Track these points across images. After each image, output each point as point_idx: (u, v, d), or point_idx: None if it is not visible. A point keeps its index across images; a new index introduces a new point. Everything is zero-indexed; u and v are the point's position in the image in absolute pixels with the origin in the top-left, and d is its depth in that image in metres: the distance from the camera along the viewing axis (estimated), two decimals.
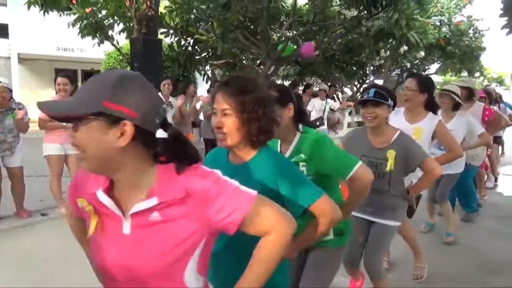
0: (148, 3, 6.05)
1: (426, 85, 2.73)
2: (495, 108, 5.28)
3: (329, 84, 10.17)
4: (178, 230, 0.89)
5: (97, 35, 7.11)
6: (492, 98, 5.55)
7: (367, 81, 13.49)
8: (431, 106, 2.79)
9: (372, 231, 2.38)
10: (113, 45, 7.55)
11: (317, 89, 12.41)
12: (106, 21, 7.13)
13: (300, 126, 1.77)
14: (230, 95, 1.28)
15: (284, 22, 8.41)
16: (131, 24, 6.53)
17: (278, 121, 1.39)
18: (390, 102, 2.16)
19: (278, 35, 9.04)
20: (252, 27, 8.77)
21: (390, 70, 12.40)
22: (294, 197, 1.29)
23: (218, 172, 0.95)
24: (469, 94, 4.21)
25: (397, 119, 2.77)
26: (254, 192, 0.95)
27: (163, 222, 0.89)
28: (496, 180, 6.42)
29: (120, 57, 8.07)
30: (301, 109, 1.81)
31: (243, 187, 0.95)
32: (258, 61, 9.44)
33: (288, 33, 8.28)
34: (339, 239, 1.86)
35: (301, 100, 1.92)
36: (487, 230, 4.38)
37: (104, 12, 6.87)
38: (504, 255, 3.75)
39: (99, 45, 7.33)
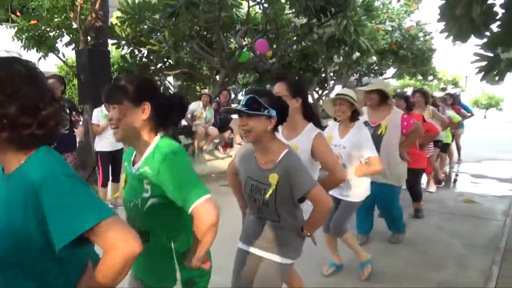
0: (94, 14, 5.93)
1: (297, 88, 2.26)
2: (431, 109, 5.38)
3: None
4: None
5: (41, 48, 6.87)
6: (428, 98, 5.35)
7: (328, 87, 13.77)
8: (310, 114, 2.29)
9: (260, 268, 1.98)
10: (59, 57, 7.32)
11: None
12: (52, 33, 6.91)
13: (158, 136, 1.45)
14: None
15: (239, 31, 8.47)
16: (78, 36, 6.35)
17: (43, 108, 0.98)
18: (270, 112, 1.75)
19: (234, 43, 9.09)
20: (208, 36, 8.78)
21: (347, 75, 12.70)
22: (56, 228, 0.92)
23: None
24: (381, 98, 3.50)
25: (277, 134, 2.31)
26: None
27: None
28: (440, 183, 6.53)
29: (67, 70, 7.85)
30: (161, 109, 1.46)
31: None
32: (216, 70, 9.43)
33: (243, 41, 8.33)
34: None
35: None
36: (431, 226, 4.53)
37: (48, 23, 6.65)
38: (446, 250, 3.89)
39: (44, 58, 7.09)
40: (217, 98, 7.76)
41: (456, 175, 7.79)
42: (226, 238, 2.23)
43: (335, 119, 3.00)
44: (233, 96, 10.41)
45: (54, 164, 0.98)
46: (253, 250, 1.99)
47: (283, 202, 1.85)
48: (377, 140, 3.36)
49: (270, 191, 1.80)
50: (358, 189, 3.01)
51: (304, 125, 2.25)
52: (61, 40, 7.18)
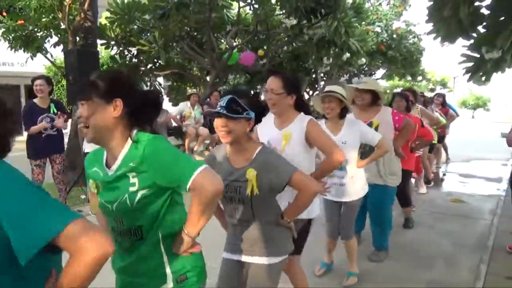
0: (83, 14, 5.87)
1: (293, 85, 2.24)
2: (419, 107, 5.41)
3: None
4: None
5: (28, 48, 6.78)
6: (416, 98, 5.32)
7: (318, 87, 13.84)
8: (301, 107, 2.31)
9: (250, 274, 1.91)
10: (47, 58, 7.24)
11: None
12: (39, 33, 6.82)
13: (134, 132, 1.37)
14: None
15: (230, 31, 8.46)
16: (67, 36, 6.28)
17: None
18: (249, 114, 1.73)
19: (225, 44, 9.08)
20: (198, 36, 8.75)
21: (338, 76, 12.79)
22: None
23: None
24: (374, 98, 3.40)
25: (267, 126, 2.31)
26: None
27: None
28: (429, 183, 6.57)
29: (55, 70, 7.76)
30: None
31: None
32: (206, 71, 9.41)
33: (233, 42, 8.32)
34: None
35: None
36: (421, 226, 4.57)
37: (36, 23, 6.57)
38: (436, 249, 3.92)
39: (32, 59, 6.99)
40: (208, 99, 7.74)
41: (444, 174, 7.87)
42: (217, 240, 2.22)
43: (324, 117, 2.97)
44: None
45: (6, 173, 0.97)
46: (237, 257, 1.92)
47: (259, 198, 1.78)
48: None
49: (250, 187, 1.75)
50: (358, 185, 2.99)
51: (296, 114, 2.27)
52: (49, 41, 7.10)
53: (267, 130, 2.33)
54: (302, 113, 2.27)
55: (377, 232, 3.65)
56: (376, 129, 3.31)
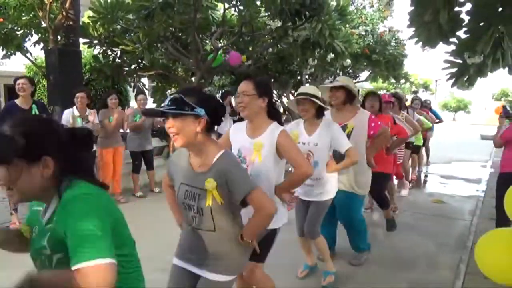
0: (65, 13, 5.77)
1: (264, 87, 2.19)
2: (405, 114, 5.32)
3: None
4: None
5: (7, 46, 6.62)
6: (402, 103, 5.20)
7: None
8: (274, 115, 2.25)
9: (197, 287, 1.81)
10: (26, 57, 7.08)
11: None
12: (19, 32, 6.67)
13: (63, 186, 1.14)
14: None
15: (215, 33, 8.42)
16: (48, 35, 6.16)
17: None
18: (197, 111, 1.60)
19: (209, 45, 9.04)
20: (183, 37, 8.68)
21: (322, 78, 12.87)
22: None
23: None
24: (347, 96, 3.25)
25: (239, 133, 2.30)
26: None
27: None
28: (410, 183, 6.61)
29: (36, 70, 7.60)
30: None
31: None
32: (191, 72, 9.35)
33: (218, 43, 8.29)
34: None
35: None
36: (402, 226, 4.63)
37: (16, 22, 6.42)
38: (417, 249, 3.99)
39: (9, 57, 6.82)
40: None
41: (426, 176, 8.01)
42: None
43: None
44: None
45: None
46: (188, 267, 1.82)
47: (220, 208, 1.69)
48: None
49: (209, 198, 1.66)
50: (328, 187, 2.96)
51: (268, 123, 2.21)
52: (29, 39, 6.95)
53: (239, 137, 2.30)
54: (274, 123, 2.22)
55: (351, 235, 3.59)
56: (350, 132, 3.21)
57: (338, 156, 3.03)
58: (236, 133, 2.32)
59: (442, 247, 4.04)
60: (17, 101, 4.56)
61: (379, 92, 4.65)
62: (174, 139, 1.64)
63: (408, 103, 6.94)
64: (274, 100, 2.36)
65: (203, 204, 1.68)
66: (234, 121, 7.53)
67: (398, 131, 4.19)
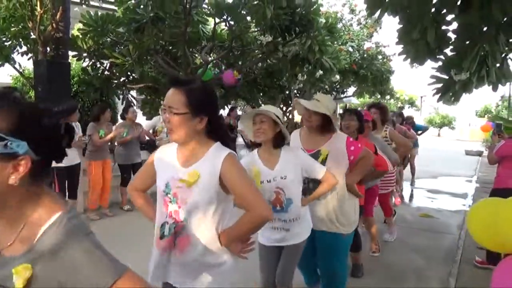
0: (55, 25, 5.75)
1: (202, 102, 1.54)
2: (389, 128, 4.47)
3: (253, 106, 10.41)
4: None
5: None
6: (385, 116, 4.42)
7: (292, 104, 14.02)
8: (217, 132, 1.64)
9: None
10: (15, 68, 7.01)
11: (241, 112, 12.67)
12: (8, 43, 6.61)
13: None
14: None
15: (205, 47, 8.48)
16: (37, 46, 6.12)
17: None
18: (13, 146, 0.70)
19: (199, 59, 9.09)
20: (173, 51, 8.72)
21: (311, 93, 13.02)
22: None
23: None
24: (325, 122, 2.61)
25: (167, 159, 1.68)
26: None
27: None
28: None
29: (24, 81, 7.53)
30: None
31: None
32: None
33: (208, 57, 8.35)
34: None
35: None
36: (392, 240, 4.66)
37: (4, 33, 6.37)
38: (406, 263, 4.00)
39: None
40: None
41: (413, 190, 8.08)
42: None
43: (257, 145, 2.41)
44: None
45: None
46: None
47: None
48: None
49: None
50: (305, 224, 2.45)
51: (209, 145, 1.60)
52: (17, 50, 6.89)
53: (167, 166, 1.66)
54: (217, 144, 1.61)
55: (324, 286, 2.88)
56: (324, 160, 2.59)
57: (312, 187, 2.52)
58: (163, 159, 1.69)
59: (432, 261, 4.07)
60: None
61: (360, 109, 3.97)
62: None
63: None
64: (218, 115, 1.71)
65: None
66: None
67: (378, 163, 3.25)
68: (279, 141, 2.30)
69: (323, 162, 2.57)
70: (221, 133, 1.66)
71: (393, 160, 3.77)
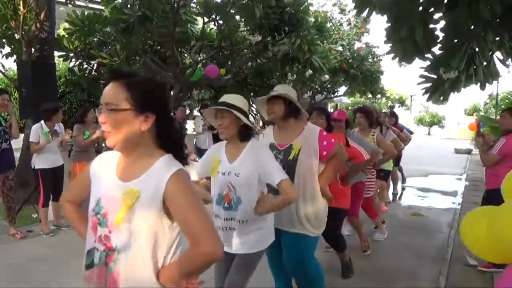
0: (39, 25, 5.64)
1: (148, 96, 1.25)
2: (376, 133, 4.33)
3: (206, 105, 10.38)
4: None
5: None
6: (371, 119, 4.26)
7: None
8: (167, 138, 1.31)
9: None
10: None
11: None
12: None
13: None
14: None
15: (194, 46, 8.42)
16: (21, 47, 5.99)
17: None
18: None
19: (188, 58, 9.02)
20: (162, 50, 8.65)
21: (301, 92, 13.02)
22: None
23: None
24: (288, 109, 2.49)
25: (105, 172, 1.34)
26: None
27: None
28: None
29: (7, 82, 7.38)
30: None
31: None
32: (170, 86, 9.28)
33: (197, 57, 8.28)
34: None
35: None
36: (383, 240, 4.65)
37: None
38: (397, 262, 3.99)
39: None
40: (173, 114, 7.59)
41: (403, 189, 8.09)
42: None
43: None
44: (188, 112, 10.25)
45: None
46: None
47: None
48: (289, 168, 2.43)
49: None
50: (256, 234, 2.15)
51: (156, 157, 1.28)
52: (0, 51, 6.75)
53: (101, 178, 1.34)
54: (168, 156, 1.29)
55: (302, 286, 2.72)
56: (297, 155, 2.47)
57: (273, 193, 2.22)
58: (99, 169, 1.37)
59: (422, 260, 4.06)
60: None
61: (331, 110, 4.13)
62: None
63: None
64: (169, 115, 1.44)
65: None
66: (214, 135, 7.47)
67: (353, 155, 3.22)
68: (245, 134, 2.14)
69: (296, 158, 2.46)
70: (171, 138, 1.31)
71: (372, 151, 3.67)
